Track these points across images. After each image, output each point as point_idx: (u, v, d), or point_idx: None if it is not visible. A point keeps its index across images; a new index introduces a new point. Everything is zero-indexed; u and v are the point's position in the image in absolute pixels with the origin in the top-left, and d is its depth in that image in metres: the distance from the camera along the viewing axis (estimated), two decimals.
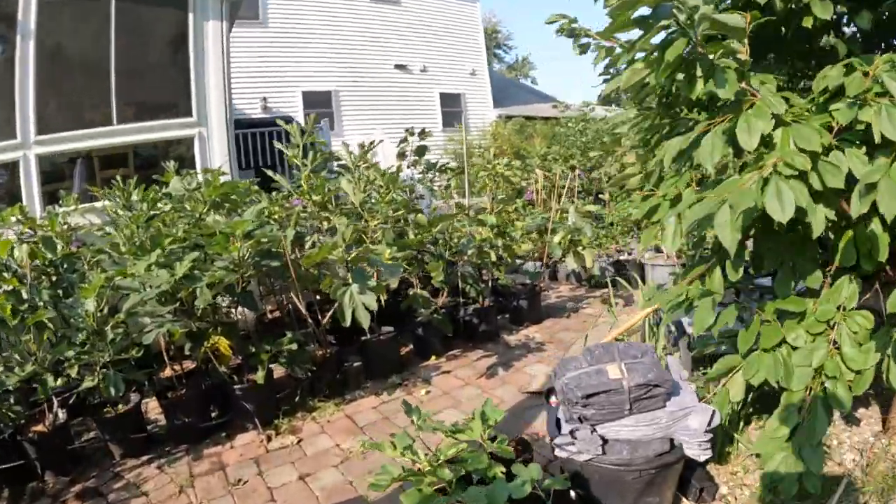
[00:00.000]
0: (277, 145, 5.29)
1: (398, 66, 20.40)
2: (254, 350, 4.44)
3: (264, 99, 17.89)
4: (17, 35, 6.24)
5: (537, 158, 14.34)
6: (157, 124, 6.81)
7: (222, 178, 4.96)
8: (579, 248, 6.33)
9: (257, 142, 12.97)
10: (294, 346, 4.46)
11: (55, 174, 6.88)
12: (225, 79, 6.88)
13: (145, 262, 3.83)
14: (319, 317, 4.87)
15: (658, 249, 8.92)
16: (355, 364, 5.04)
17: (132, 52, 6.81)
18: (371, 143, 5.64)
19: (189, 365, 4.73)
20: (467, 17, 22.59)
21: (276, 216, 4.90)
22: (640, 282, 8.30)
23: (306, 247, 4.80)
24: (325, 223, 5.10)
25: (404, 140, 6.82)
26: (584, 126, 16.55)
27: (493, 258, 5.81)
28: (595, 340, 5.28)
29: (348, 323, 3.99)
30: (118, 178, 5.21)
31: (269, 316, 6.35)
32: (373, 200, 5.47)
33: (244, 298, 4.40)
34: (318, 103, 18.48)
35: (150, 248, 3.96)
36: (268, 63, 18.00)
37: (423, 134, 7.14)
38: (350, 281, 4.10)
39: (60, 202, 6.08)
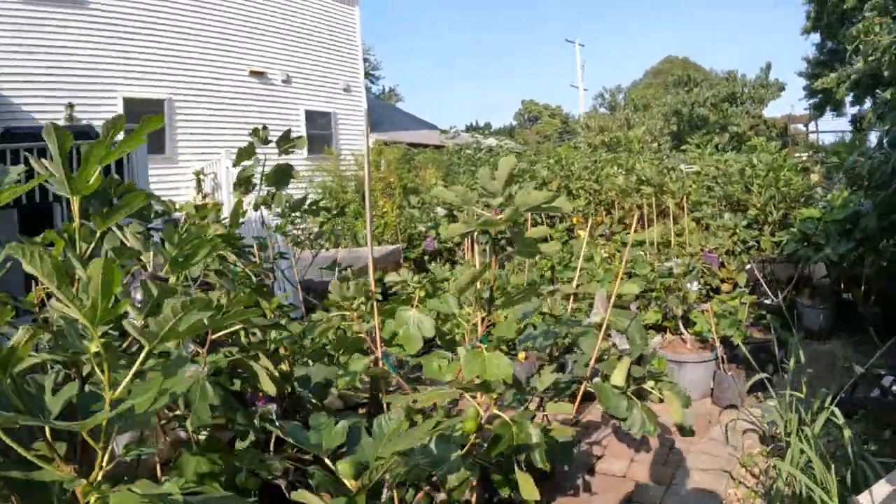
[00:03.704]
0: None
1: (255, 74, 16.41)
2: None
3: (70, 105, 13.37)
4: None
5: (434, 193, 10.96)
6: None
7: None
8: (649, 385, 2.78)
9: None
10: None
11: None
12: None
13: None
14: None
15: (655, 326, 5.75)
16: None
17: None
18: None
19: None
20: (344, 20, 18.81)
21: None
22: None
23: None
24: None
25: (246, 153, 3.51)
26: (488, 155, 13.50)
27: (538, 456, 2.23)
28: None
29: None
30: None
31: None
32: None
33: None
34: (145, 115, 14.13)
35: None
36: (79, 57, 13.58)
37: (286, 141, 3.94)
38: None
39: None
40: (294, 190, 13.15)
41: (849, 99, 27.51)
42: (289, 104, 17.01)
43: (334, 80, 18.27)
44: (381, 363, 2.49)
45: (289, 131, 4.46)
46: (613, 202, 9.31)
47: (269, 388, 2.28)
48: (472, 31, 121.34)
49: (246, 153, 4.26)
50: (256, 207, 4.62)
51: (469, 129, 48.66)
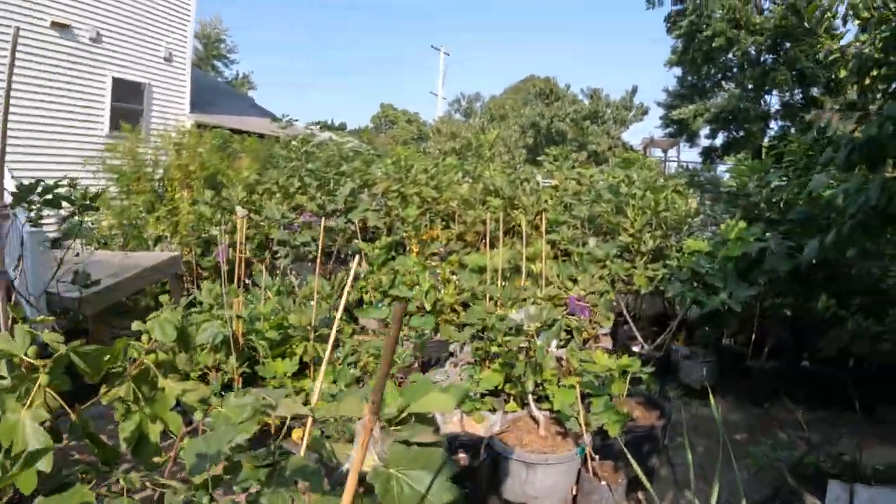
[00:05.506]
0: None
1: (58, 25, 13.46)
2: None
3: None
4: None
5: (241, 189, 8.91)
6: None
7: None
8: None
9: None
10: None
11: None
12: None
13: None
14: None
15: (494, 392, 4.02)
16: None
17: None
18: None
19: None
20: None
21: None
22: None
23: None
24: None
25: None
26: (319, 149, 11.55)
27: None
28: None
29: None
30: None
31: None
32: None
33: None
34: None
35: None
36: None
37: None
38: None
39: None
40: (84, 175, 10.61)
41: (704, 132, 28.33)
42: (94, 68, 14.09)
43: (154, 45, 15.56)
44: None
45: None
46: (454, 214, 7.64)
47: None
48: (338, 31, 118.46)
49: None
50: None
51: (323, 126, 46.83)
